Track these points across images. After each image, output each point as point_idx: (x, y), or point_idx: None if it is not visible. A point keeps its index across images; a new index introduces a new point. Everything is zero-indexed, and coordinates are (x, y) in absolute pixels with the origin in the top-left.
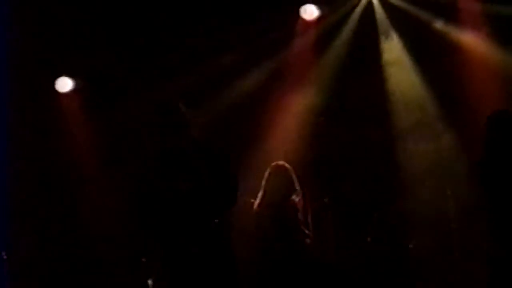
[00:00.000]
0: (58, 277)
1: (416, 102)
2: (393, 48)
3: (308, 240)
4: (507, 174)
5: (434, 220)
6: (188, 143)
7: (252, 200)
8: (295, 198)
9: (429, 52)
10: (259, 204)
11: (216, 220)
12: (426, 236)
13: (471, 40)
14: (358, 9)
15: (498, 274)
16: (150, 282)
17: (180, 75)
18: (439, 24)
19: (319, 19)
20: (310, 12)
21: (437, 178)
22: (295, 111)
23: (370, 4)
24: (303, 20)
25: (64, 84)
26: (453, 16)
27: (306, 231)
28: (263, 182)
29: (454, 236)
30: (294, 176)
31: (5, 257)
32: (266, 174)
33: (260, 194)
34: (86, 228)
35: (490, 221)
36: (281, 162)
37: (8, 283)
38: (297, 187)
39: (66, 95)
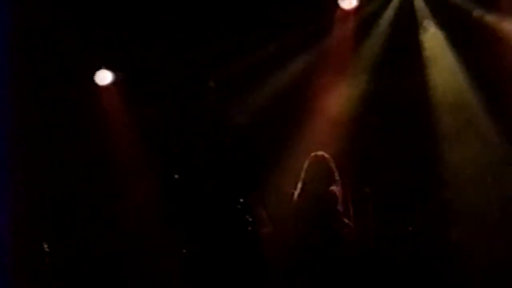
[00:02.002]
0: (94, 272)
1: (455, 87)
2: (432, 37)
3: (348, 230)
4: None
5: (476, 209)
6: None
7: (292, 191)
8: (335, 188)
9: (469, 41)
10: (299, 195)
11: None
12: (467, 226)
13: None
14: None
15: None
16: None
17: (220, 68)
18: (479, 13)
19: (357, 8)
20: (348, 1)
21: (479, 167)
22: (334, 102)
23: None
24: (342, 9)
25: (104, 77)
26: (493, 4)
27: (346, 221)
28: (303, 173)
29: (496, 225)
30: (333, 166)
31: (47, 249)
32: (306, 164)
33: (299, 185)
34: (126, 222)
35: None
36: (320, 153)
37: (49, 275)
38: (337, 177)
39: (105, 87)
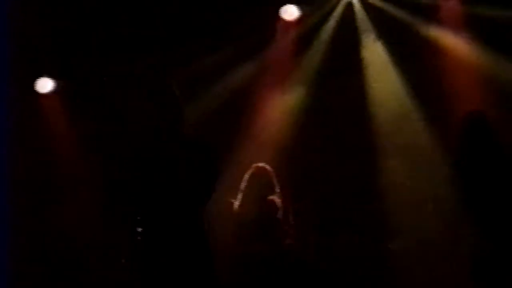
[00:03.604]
0: (44, 278)
1: (395, 100)
2: (373, 49)
3: (288, 240)
4: (482, 173)
5: (415, 222)
6: (179, 128)
7: (232, 201)
8: (275, 198)
9: (410, 54)
10: (240, 206)
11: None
12: (406, 238)
13: (453, 42)
14: (339, 10)
15: (479, 274)
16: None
17: (162, 76)
18: (420, 25)
19: (299, 20)
20: (290, 12)
21: (420, 181)
22: (275, 113)
23: (350, 5)
24: (284, 20)
25: (44, 85)
26: (434, 17)
27: (287, 231)
28: (244, 184)
29: (434, 236)
30: (274, 178)
31: None
32: (247, 176)
33: (240, 196)
34: (70, 231)
35: (470, 221)
36: (261, 164)
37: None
38: (277, 189)
39: (46, 95)
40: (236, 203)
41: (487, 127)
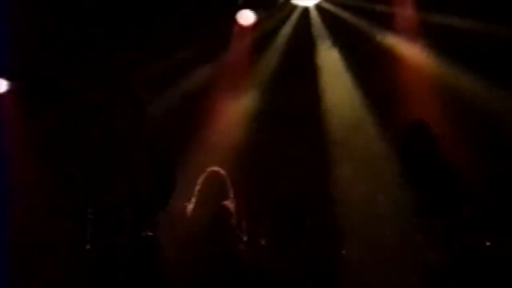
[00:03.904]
0: None
1: (349, 107)
2: (328, 55)
3: (241, 245)
4: (424, 179)
5: (366, 226)
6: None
7: (186, 204)
8: (229, 203)
9: (365, 61)
10: (193, 209)
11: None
12: (358, 243)
13: (408, 50)
14: (295, 16)
15: (432, 278)
16: None
17: (116, 79)
18: (375, 33)
19: (255, 25)
20: (246, 17)
21: (371, 186)
22: (230, 117)
23: (306, 11)
24: (240, 25)
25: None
26: (390, 25)
27: (240, 236)
28: (197, 188)
29: (387, 242)
30: (228, 182)
31: None
32: (201, 179)
33: (194, 199)
34: (24, 231)
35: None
36: (215, 168)
37: None
38: (231, 194)
39: (0, 96)
40: (190, 207)
41: (429, 136)
